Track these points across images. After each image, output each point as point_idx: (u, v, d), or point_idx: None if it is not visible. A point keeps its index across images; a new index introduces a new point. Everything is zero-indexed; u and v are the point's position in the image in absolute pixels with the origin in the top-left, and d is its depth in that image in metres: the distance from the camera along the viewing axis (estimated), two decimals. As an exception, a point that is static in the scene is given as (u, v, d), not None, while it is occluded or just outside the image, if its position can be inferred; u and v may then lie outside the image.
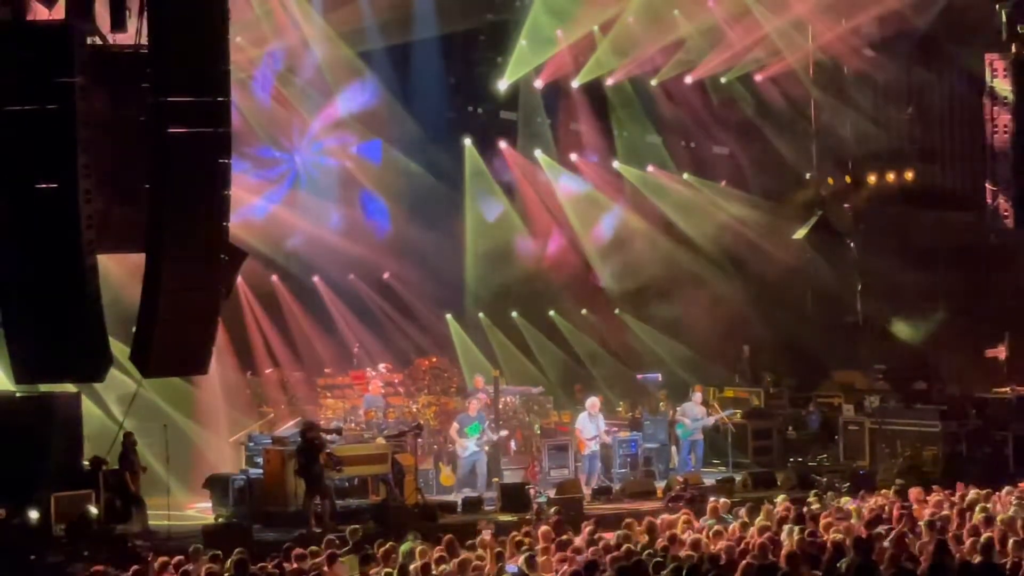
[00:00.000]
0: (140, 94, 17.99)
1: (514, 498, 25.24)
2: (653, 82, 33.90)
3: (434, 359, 31.69)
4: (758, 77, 34.06)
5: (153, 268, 18.17)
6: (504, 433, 28.02)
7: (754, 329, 34.22)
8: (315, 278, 32.15)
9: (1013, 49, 28.28)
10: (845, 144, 34.53)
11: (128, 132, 18.31)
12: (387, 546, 17.76)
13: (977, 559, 15.92)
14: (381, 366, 30.92)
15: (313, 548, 18.29)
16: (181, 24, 17.64)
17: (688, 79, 33.94)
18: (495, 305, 34.12)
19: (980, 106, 30.53)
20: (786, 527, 18.31)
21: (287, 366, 30.84)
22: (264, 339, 31.08)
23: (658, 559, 16.14)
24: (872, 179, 34.44)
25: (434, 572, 16.34)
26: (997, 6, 28.94)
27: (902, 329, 33.28)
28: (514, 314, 34.46)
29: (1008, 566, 15.63)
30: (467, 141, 33.37)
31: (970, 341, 31.64)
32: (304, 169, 32.08)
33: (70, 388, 23.46)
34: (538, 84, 33.17)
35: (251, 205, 30.25)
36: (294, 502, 24.46)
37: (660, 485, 27.08)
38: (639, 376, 33.27)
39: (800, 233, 32.68)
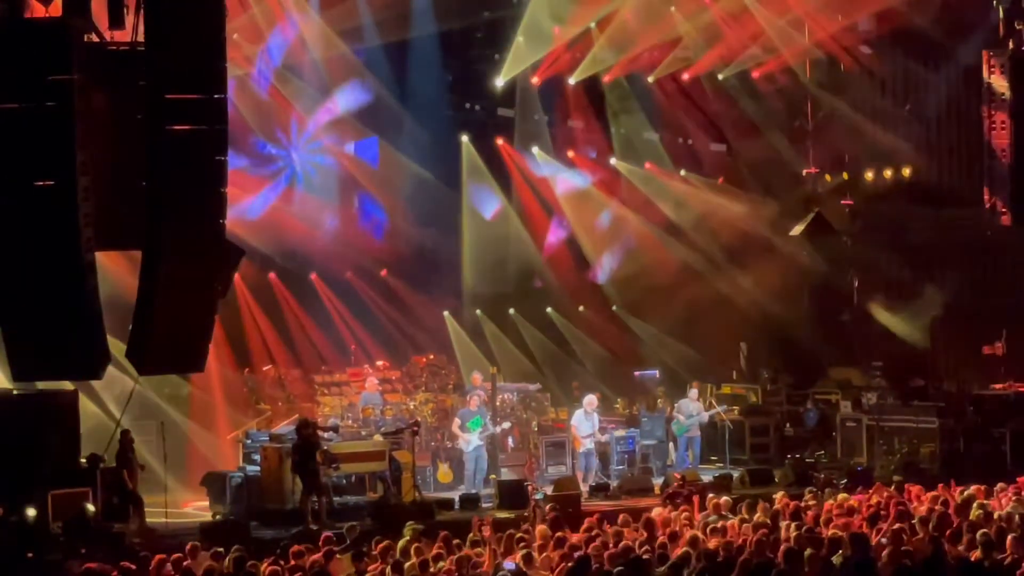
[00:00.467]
0: (137, 91, 17.97)
1: (512, 495, 25.24)
2: (650, 79, 33.90)
3: (431, 356, 31.72)
4: (755, 74, 34.06)
5: (149, 265, 18.16)
6: (507, 425, 28.01)
7: (751, 326, 34.24)
8: (312, 275, 32.15)
9: (1010, 46, 28.27)
10: (842, 141, 34.54)
11: (126, 129, 18.29)
12: (384, 543, 17.76)
13: (974, 556, 15.93)
14: (378, 363, 30.97)
15: (309, 546, 18.29)
16: (178, 21, 17.62)
17: (685, 76, 33.94)
18: (492, 302, 34.14)
19: (977, 103, 30.55)
20: (783, 523, 18.33)
21: (284, 363, 30.83)
22: (261, 336, 31.09)
23: (656, 556, 16.15)
24: (869, 176, 34.46)
25: (432, 569, 16.34)
26: (995, 3, 28.96)
27: (897, 324, 33.28)
28: (511, 311, 34.47)
29: (1005, 563, 15.63)
30: (464, 138, 33.38)
31: (967, 338, 31.70)
32: (301, 166, 32.08)
33: (67, 386, 23.44)
34: (535, 81, 33.16)
35: (248, 202, 30.25)
36: (291, 499, 24.47)
37: (658, 482, 27.09)
38: (636, 373, 33.30)
39: (797, 230, 32.68)
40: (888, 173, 34.28)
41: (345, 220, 32.49)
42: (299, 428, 24.47)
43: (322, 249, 31.85)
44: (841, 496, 21.19)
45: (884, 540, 16.68)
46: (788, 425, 31.54)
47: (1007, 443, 27.95)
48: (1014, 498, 19.87)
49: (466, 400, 28.07)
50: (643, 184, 34.81)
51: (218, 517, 24.64)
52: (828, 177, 34.63)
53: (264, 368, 30.57)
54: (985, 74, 28.86)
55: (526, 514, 22.45)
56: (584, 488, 26.51)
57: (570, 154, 34.68)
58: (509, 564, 16.63)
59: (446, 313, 33.50)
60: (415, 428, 26.22)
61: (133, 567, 17.12)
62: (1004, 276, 32.38)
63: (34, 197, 17.36)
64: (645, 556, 16.13)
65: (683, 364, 33.54)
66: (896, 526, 17.45)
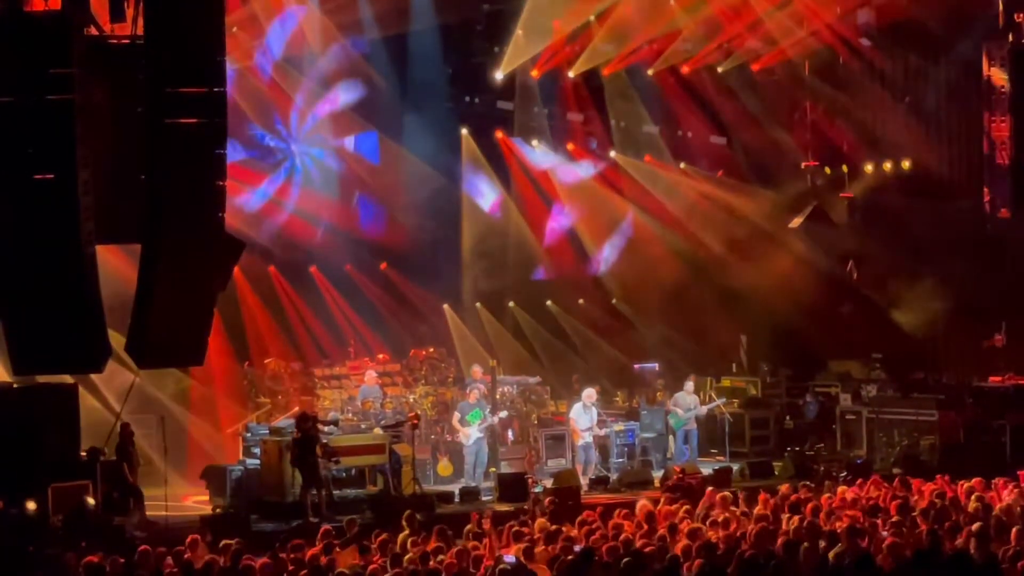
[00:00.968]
0: (137, 85, 17.97)
1: (512, 488, 25.26)
2: (649, 72, 33.89)
3: (431, 350, 31.73)
4: (754, 67, 34.05)
5: (149, 259, 18.16)
6: (504, 414, 28.01)
7: (751, 319, 34.23)
8: (312, 268, 32.16)
9: (1010, 38, 28.29)
10: (841, 134, 34.52)
11: (125, 123, 18.29)
12: (383, 536, 17.78)
13: (973, 548, 15.93)
14: (378, 356, 30.98)
15: (302, 540, 18.32)
16: (178, 15, 17.62)
17: (684, 69, 33.93)
18: (492, 296, 34.14)
19: (977, 96, 30.57)
20: (783, 516, 18.35)
21: (284, 357, 30.81)
22: (261, 330, 31.09)
23: (655, 548, 16.16)
24: (868, 169, 34.44)
25: (432, 563, 16.36)
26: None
27: (902, 317, 33.26)
28: (511, 304, 34.48)
29: (1006, 555, 15.63)
30: (464, 131, 33.38)
31: (967, 330, 31.68)
32: (301, 159, 32.10)
33: (67, 379, 23.45)
34: (535, 74, 33.14)
35: (248, 196, 30.27)
36: (291, 493, 24.50)
37: (657, 475, 27.11)
38: (636, 366, 33.31)
39: (796, 222, 32.68)
40: (887, 166, 34.24)
41: (345, 213, 32.49)
42: (299, 422, 24.51)
43: (322, 242, 31.88)
44: (840, 489, 21.19)
45: (883, 533, 16.68)
46: (788, 418, 31.56)
47: (1007, 435, 27.96)
48: (1014, 490, 19.86)
49: (465, 393, 28.09)
50: (643, 177, 34.80)
51: (218, 510, 24.65)
52: (827, 170, 34.61)
53: (264, 361, 30.56)
54: (985, 67, 28.91)
55: (526, 507, 22.46)
56: (584, 481, 26.52)
57: (570, 147, 34.69)
58: (509, 557, 16.64)
59: (446, 306, 33.51)
60: (415, 421, 26.24)
61: (133, 560, 17.12)
62: (1004, 268, 32.34)
63: (34, 190, 17.36)
64: (645, 549, 16.12)
65: (683, 357, 33.54)
66: (895, 519, 17.48)
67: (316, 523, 21.75)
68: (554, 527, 18.03)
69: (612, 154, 34.84)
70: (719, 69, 34.04)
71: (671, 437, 29.37)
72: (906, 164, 34.02)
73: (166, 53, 17.67)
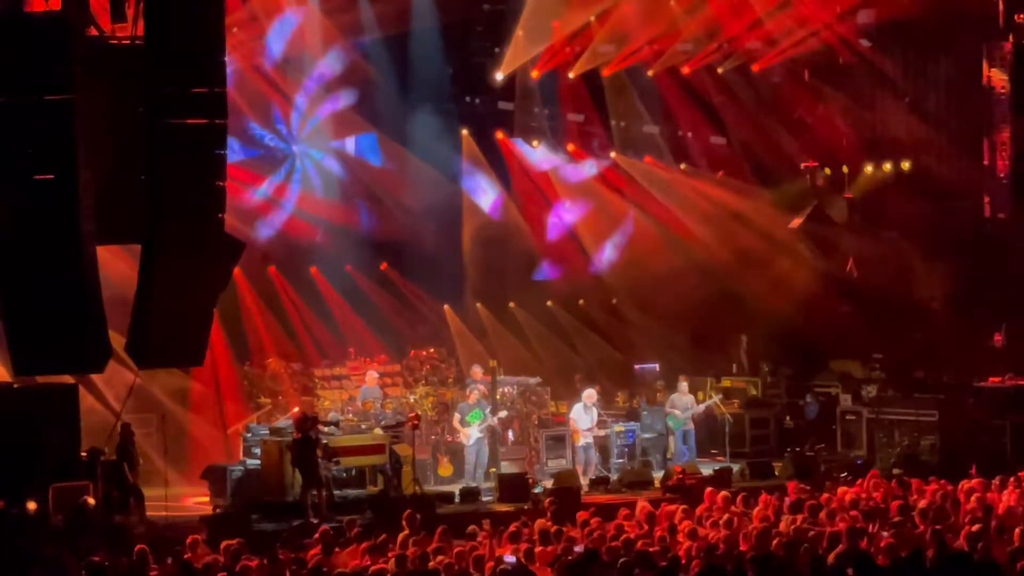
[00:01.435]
0: (138, 85, 17.97)
1: (512, 489, 25.27)
2: (650, 72, 33.89)
3: (431, 350, 31.74)
4: (755, 67, 34.05)
5: (149, 259, 18.17)
6: (503, 413, 28.02)
7: (751, 319, 34.22)
8: (312, 269, 32.16)
9: (1010, 39, 28.30)
10: (841, 134, 34.52)
11: (126, 123, 18.29)
12: (384, 536, 17.79)
13: (975, 548, 15.94)
14: (378, 357, 30.99)
15: (307, 541, 18.32)
16: (178, 15, 17.62)
17: (685, 69, 33.93)
18: (493, 296, 34.13)
19: (977, 95, 30.58)
20: (784, 516, 18.36)
21: (284, 357, 30.82)
22: (261, 330, 31.10)
23: (655, 549, 16.17)
24: (868, 169, 34.44)
25: (432, 563, 16.36)
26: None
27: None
28: (511, 305, 34.48)
29: (1006, 556, 15.64)
30: (464, 132, 33.38)
31: (968, 330, 31.68)
32: (301, 160, 32.12)
33: (68, 379, 23.46)
34: (535, 75, 33.14)
35: (248, 196, 30.28)
36: (292, 493, 24.53)
37: (657, 475, 27.12)
38: (637, 366, 33.30)
39: (796, 223, 32.68)
40: (887, 166, 34.25)
41: (345, 213, 32.49)
42: (298, 423, 24.53)
43: (322, 242, 31.87)
44: (840, 489, 21.19)
45: (884, 533, 16.68)
46: (788, 418, 31.55)
47: (1007, 435, 27.96)
48: (1015, 490, 19.87)
49: (466, 394, 28.09)
50: (643, 177, 34.81)
51: (218, 510, 24.67)
52: (827, 170, 34.60)
53: (264, 362, 30.58)
54: (985, 68, 28.90)
55: (526, 507, 22.47)
56: (584, 482, 26.53)
57: (570, 147, 34.68)
58: (509, 558, 16.65)
59: (446, 307, 33.52)
60: (415, 422, 26.24)
61: (134, 560, 17.13)
62: (1004, 268, 32.34)
63: (35, 191, 17.35)
64: (647, 550, 16.13)
65: (683, 357, 33.52)
66: (895, 519, 17.49)
67: (316, 523, 21.75)
68: (555, 528, 18.04)
69: (612, 155, 34.84)
70: (719, 70, 34.05)
71: (671, 437, 29.37)
72: (906, 165, 34.03)
73: (166, 53, 17.67)
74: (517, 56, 32.22)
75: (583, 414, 27.82)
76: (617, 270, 34.99)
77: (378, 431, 26.33)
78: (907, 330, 32.71)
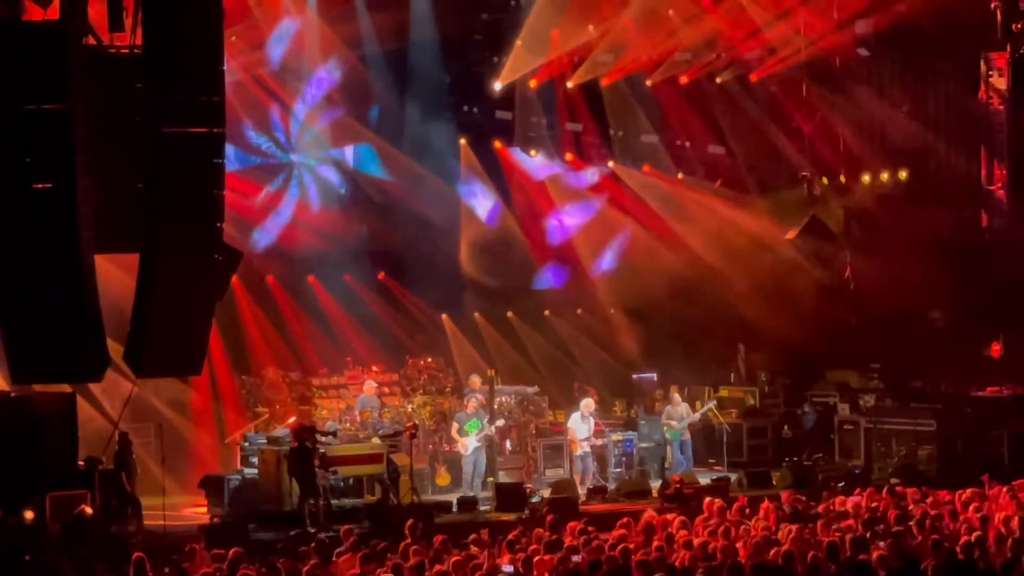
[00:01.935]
0: (136, 94, 17.97)
1: (510, 498, 25.26)
2: (648, 82, 33.90)
3: (429, 359, 31.74)
4: (753, 76, 34.06)
5: (147, 268, 18.16)
6: (501, 422, 28.02)
7: (749, 328, 34.22)
8: (310, 278, 32.15)
9: (1008, 47, 28.32)
10: (839, 143, 34.52)
11: (124, 132, 18.29)
12: (382, 545, 17.79)
13: (972, 558, 15.94)
14: (373, 368, 30.97)
15: (300, 549, 18.32)
16: (177, 24, 17.63)
17: (683, 79, 33.95)
18: (491, 305, 34.13)
19: (975, 104, 30.59)
20: (782, 526, 18.35)
21: (282, 366, 30.82)
22: (259, 339, 31.09)
23: (654, 559, 16.16)
24: (866, 178, 34.45)
25: (428, 573, 16.36)
26: (992, 5, 28.98)
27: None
28: (509, 314, 34.48)
29: (1003, 565, 15.64)
30: (462, 141, 33.38)
31: (965, 340, 31.68)
32: (299, 169, 32.13)
33: (65, 388, 23.45)
34: (534, 84, 33.15)
35: (246, 205, 30.28)
36: (289, 502, 24.52)
37: (655, 484, 27.12)
38: (634, 376, 33.30)
39: (793, 232, 32.67)
40: (885, 175, 34.26)
41: (343, 222, 32.48)
42: (296, 432, 24.53)
43: (320, 252, 31.86)
44: (838, 499, 21.19)
45: (882, 543, 16.67)
46: (786, 427, 31.55)
47: (1005, 445, 27.96)
48: (1012, 500, 19.86)
49: (464, 403, 28.09)
50: (641, 187, 34.81)
51: (216, 519, 24.65)
52: (825, 179, 34.60)
53: (262, 371, 30.57)
54: (983, 76, 28.91)
55: (524, 517, 22.45)
56: (582, 491, 26.51)
57: (568, 157, 34.69)
58: (507, 567, 16.64)
59: (444, 316, 33.51)
60: (413, 431, 26.24)
61: (132, 569, 17.12)
62: (1001, 278, 32.34)
63: (33, 199, 17.35)
64: (643, 559, 16.12)
65: (680, 367, 33.51)
66: (894, 529, 17.48)
67: (314, 532, 21.75)
68: (552, 537, 18.03)
69: (610, 164, 34.86)
70: (717, 79, 34.06)
71: (668, 447, 29.37)
72: (903, 174, 34.04)
73: (165, 62, 17.68)
74: (516, 66, 32.23)
75: (581, 423, 27.82)
76: (614, 279, 34.98)
77: (376, 440, 26.32)
78: (905, 340, 32.70)
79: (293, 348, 31.59)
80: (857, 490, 22.39)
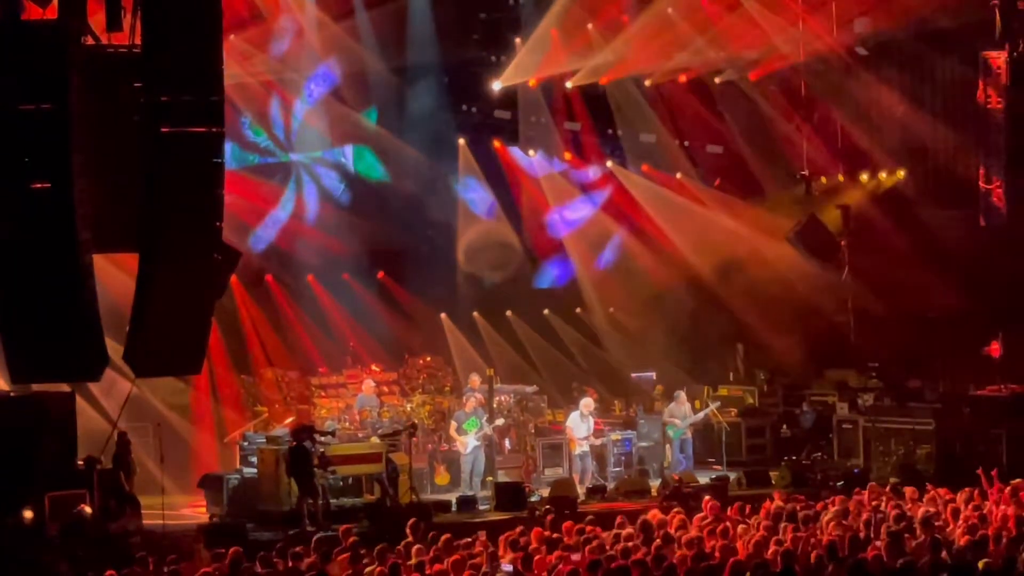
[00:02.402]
0: (134, 94, 17.96)
1: (509, 497, 25.27)
2: (647, 82, 33.88)
3: (428, 358, 31.75)
4: (752, 76, 34.06)
5: (146, 268, 18.15)
6: (501, 421, 28.03)
7: (747, 328, 34.24)
8: (309, 277, 32.16)
9: (1007, 47, 28.29)
10: (837, 142, 34.52)
11: (122, 132, 18.28)
12: (381, 545, 17.79)
13: (971, 557, 15.95)
14: (373, 366, 30.98)
15: (299, 549, 18.33)
16: (175, 24, 17.60)
17: (682, 78, 33.94)
18: (489, 304, 34.14)
19: (973, 104, 30.56)
20: (781, 525, 18.36)
21: (281, 365, 30.83)
22: (258, 338, 31.10)
23: (653, 558, 16.17)
24: (864, 177, 34.46)
25: (428, 572, 16.37)
26: (991, 4, 28.97)
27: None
28: (508, 313, 34.48)
29: (1002, 564, 15.64)
30: (461, 141, 33.38)
31: (964, 339, 31.67)
32: (298, 168, 32.13)
33: (64, 387, 23.46)
34: (532, 83, 33.14)
35: (246, 205, 30.27)
36: (288, 501, 24.53)
37: (654, 484, 27.13)
38: (633, 375, 33.31)
39: (792, 232, 32.67)
40: (883, 175, 34.28)
41: (342, 221, 32.48)
42: (295, 432, 24.54)
43: (319, 251, 31.86)
44: (838, 498, 21.20)
45: (880, 543, 16.68)
46: (784, 427, 31.56)
47: (1003, 444, 27.96)
48: (1011, 499, 19.87)
49: (463, 402, 28.09)
50: (639, 186, 34.82)
51: (215, 519, 24.65)
52: (823, 179, 34.60)
53: (261, 370, 30.57)
54: (981, 76, 28.88)
55: (523, 516, 22.45)
56: (581, 490, 26.52)
57: (567, 156, 34.70)
58: (506, 567, 16.65)
59: (443, 315, 33.51)
60: (412, 430, 26.25)
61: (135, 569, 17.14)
62: (1000, 277, 32.34)
63: (31, 199, 17.34)
64: (642, 559, 16.13)
65: (680, 366, 33.54)
66: (893, 528, 17.48)
67: (313, 532, 21.75)
68: (551, 536, 18.04)
69: (609, 164, 34.87)
70: (716, 80, 34.05)
71: (668, 446, 29.39)
72: (901, 173, 34.05)
73: (163, 62, 17.65)
74: (517, 69, 32.20)
75: (580, 423, 27.82)
76: (613, 278, 35.00)
77: (375, 440, 26.32)
78: (903, 339, 32.70)
79: (292, 347, 31.59)
80: (856, 489, 22.43)
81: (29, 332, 17.68)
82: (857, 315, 34.11)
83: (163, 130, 17.60)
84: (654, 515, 19.65)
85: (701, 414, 29.50)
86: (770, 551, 16.25)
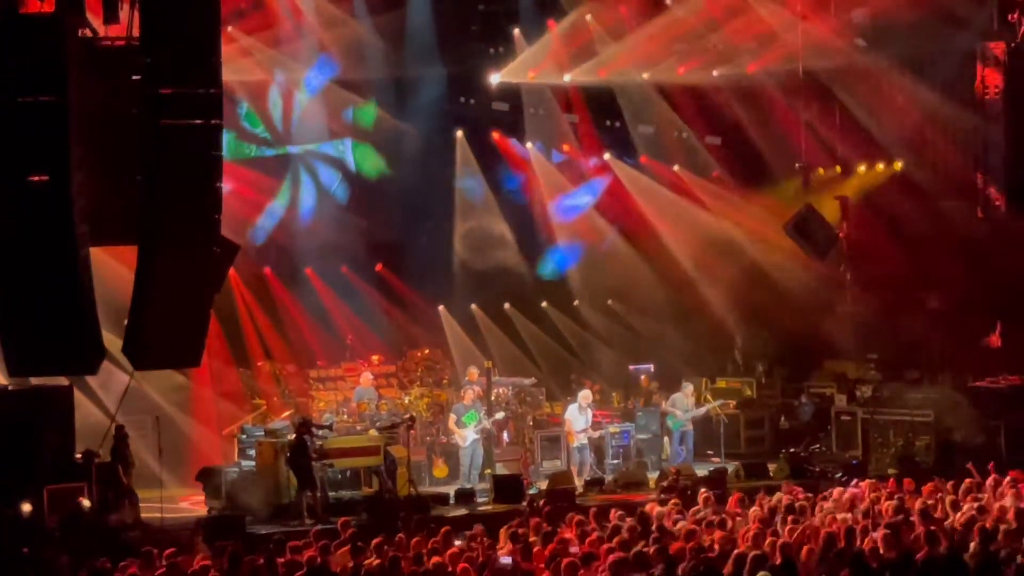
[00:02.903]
0: (132, 86, 17.94)
1: (507, 490, 25.27)
2: (645, 75, 33.83)
3: (427, 351, 31.73)
4: (750, 68, 34.01)
5: (145, 261, 18.14)
6: (500, 415, 28.04)
7: (745, 319, 34.23)
8: (307, 270, 32.14)
9: (1005, 39, 28.25)
10: (835, 134, 34.50)
11: (121, 124, 18.26)
12: (380, 538, 17.80)
13: (969, 548, 15.96)
14: (373, 358, 30.97)
15: (298, 542, 18.33)
16: (173, 16, 17.58)
17: (680, 70, 33.90)
18: (488, 297, 34.13)
19: (972, 95, 30.51)
20: (779, 517, 18.37)
21: (280, 358, 30.83)
22: (257, 331, 31.09)
23: (651, 550, 16.17)
24: (862, 168, 34.45)
25: (427, 563, 16.37)
26: (988, -6, 28.97)
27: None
28: (507, 306, 34.47)
29: (1001, 555, 15.65)
30: (459, 133, 33.36)
31: (963, 330, 31.68)
32: (296, 161, 32.11)
33: (62, 381, 23.45)
34: (531, 76, 33.09)
35: (244, 197, 30.26)
36: (287, 494, 24.53)
37: (653, 476, 27.13)
38: (631, 367, 33.31)
39: (789, 223, 32.66)
40: (881, 166, 34.27)
41: (340, 214, 32.47)
42: (297, 426, 24.57)
43: (317, 243, 31.85)
44: (836, 490, 21.21)
45: (879, 535, 16.68)
46: (783, 418, 31.59)
47: (1002, 436, 27.97)
48: (1011, 491, 19.88)
49: (461, 395, 28.08)
50: (637, 178, 34.80)
51: (214, 512, 24.65)
52: (821, 170, 34.58)
53: (259, 363, 30.56)
54: (979, 68, 28.84)
55: (521, 508, 22.47)
56: (579, 483, 26.52)
57: (565, 148, 34.69)
58: (505, 558, 16.65)
59: (441, 307, 33.50)
60: (410, 423, 26.25)
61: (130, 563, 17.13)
62: (999, 268, 32.32)
63: (28, 192, 17.32)
64: (640, 551, 16.13)
65: (678, 357, 33.53)
66: (892, 520, 17.50)
67: (311, 525, 21.76)
68: (549, 528, 18.05)
69: (606, 155, 34.85)
70: (714, 73, 34.00)
71: (666, 438, 29.41)
72: (899, 164, 34.03)
73: (161, 54, 17.62)
74: (518, 66, 32.19)
75: (578, 415, 27.83)
76: (611, 270, 34.97)
77: (373, 432, 26.31)
78: (902, 330, 32.71)
79: (290, 340, 31.57)
80: (855, 481, 22.44)
81: (26, 325, 17.67)
82: (855, 306, 34.09)
83: (162, 123, 17.60)
84: (651, 507, 19.65)
85: (702, 409, 29.50)
86: (767, 543, 16.24)
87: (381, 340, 32.20)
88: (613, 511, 19.55)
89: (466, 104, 33.49)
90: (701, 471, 27.06)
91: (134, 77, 17.89)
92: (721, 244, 34.38)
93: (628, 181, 34.74)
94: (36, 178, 17.34)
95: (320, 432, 25.09)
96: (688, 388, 29.60)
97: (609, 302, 35.41)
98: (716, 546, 16.59)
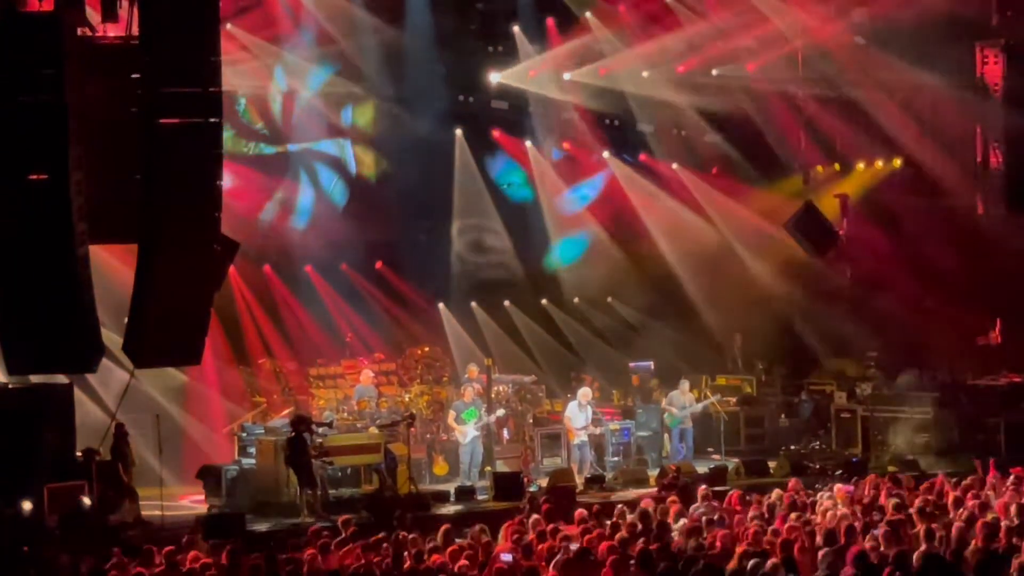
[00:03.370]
0: (131, 85, 17.95)
1: (507, 487, 25.27)
2: (644, 73, 33.81)
3: (427, 348, 31.72)
4: (749, 66, 34.00)
5: (145, 259, 18.15)
6: (500, 412, 28.04)
7: (745, 317, 34.22)
8: (307, 268, 32.14)
9: (1003, 37, 28.29)
10: (834, 132, 34.50)
11: (120, 123, 18.27)
12: (380, 535, 17.81)
13: (970, 546, 15.96)
14: (374, 355, 30.96)
15: (298, 539, 18.34)
16: (172, 14, 17.60)
17: (680, 68, 33.88)
18: (488, 294, 34.13)
19: (970, 93, 30.57)
20: (780, 515, 18.37)
21: (280, 356, 30.81)
22: (257, 329, 31.08)
23: (652, 548, 16.18)
24: (861, 166, 34.45)
25: (427, 561, 16.38)
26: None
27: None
28: (506, 303, 34.47)
29: (1001, 552, 15.65)
30: (458, 131, 33.36)
31: (962, 328, 31.69)
32: (296, 159, 32.10)
33: (62, 379, 23.45)
34: (531, 73, 33.08)
35: (244, 195, 30.25)
36: (287, 492, 24.54)
37: (653, 473, 27.14)
38: (631, 364, 33.29)
39: (788, 221, 32.67)
40: (880, 164, 34.27)
41: (339, 212, 32.48)
42: (293, 423, 24.56)
43: (317, 241, 31.85)
44: (836, 487, 21.21)
45: (879, 532, 16.69)
46: (783, 416, 31.60)
47: (1001, 433, 27.98)
48: (1011, 488, 19.88)
49: (461, 392, 28.09)
50: (636, 176, 34.80)
51: (214, 510, 24.66)
52: (820, 168, 34.59)
53: (259, 361, 30.56)
54: (978, 66, 28.89)
55: (521, 506, 22.48)
56: (579, 480, 26.53)
57: (565, 146, 34.68)
58: (505, 556, 16.66)
59: (441, 305, 33.50)
60: (410, 421, 26.26)
61: (130, 560, 17.13)
62: (997, 265, 32.35)
63: (27, 191, 17.33)
64: (642, 548, 16.14)
65: (678, 355, 33.52)
66: (891, 517, 17.50)
67: (311, 523, 21.77)
68: (549, 525, 18.05)
69: (606, 153, 34.84)
70: (714, 72, 33.98)
71: (666, 436, 29.42)
72: (898, 162, 34.03)
73: (160, 53, 17.64)
74: (519, 70, 32.23)
75: (578, 412, 27.83)
76: (611, 268, 34.96)
77: (373, 430, 26.33)
78: (901, 328, 32.72)
79: (290, 338, 31.56)
80: (854, 478, 22.44)
81: (25, 324, 17.69)
82: (855, 304, 34.11)
83: (161, 121, 17.61)
84: (651, 504, 19.64)
85: (700, 405, 29.52)
86: (767, 540, 16.26)
87: (381, 338, 32.20)
88: (616, 508, 19.58)
89: (465, 102, 33.47)
90: (701, 468, 27.07)
91: (133, 75, 17.91)
92: (721, 242, 34.40)
93: (627, 179, 34.74)
94: (35, 177, 17.35)
95: (320, 430, 25.10)
96: (685, 385, 29.62)
97: (609, 299, 35.41)
98: (718, 543, 16.59)
